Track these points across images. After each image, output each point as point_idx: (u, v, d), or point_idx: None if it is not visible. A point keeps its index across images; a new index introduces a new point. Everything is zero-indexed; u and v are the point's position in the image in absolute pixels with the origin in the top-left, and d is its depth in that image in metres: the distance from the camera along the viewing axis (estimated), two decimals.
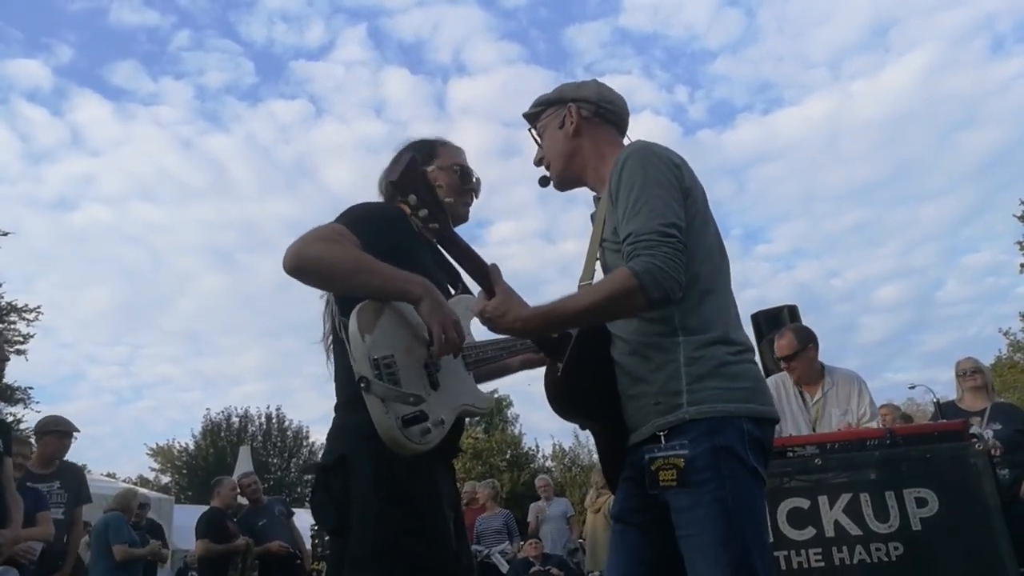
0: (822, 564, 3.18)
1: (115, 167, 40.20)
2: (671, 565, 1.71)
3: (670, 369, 1.73)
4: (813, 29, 47.78)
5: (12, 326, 20.48)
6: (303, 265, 1.77)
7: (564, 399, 1.84)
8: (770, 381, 4.27)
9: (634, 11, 46.82)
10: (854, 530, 3.18)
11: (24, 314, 21.25)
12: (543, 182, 2.07)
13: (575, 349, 1.80)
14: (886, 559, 3.11)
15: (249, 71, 47.64)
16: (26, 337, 21.01)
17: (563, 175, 2.04)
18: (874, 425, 3.94)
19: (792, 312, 5.26)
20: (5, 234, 20.89)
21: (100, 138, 42.50)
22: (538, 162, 2.07)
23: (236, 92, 46.02)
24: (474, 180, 2.21)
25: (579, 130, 1.99)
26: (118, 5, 41.48)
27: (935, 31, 45.36)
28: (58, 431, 5.08)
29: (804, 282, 46.65)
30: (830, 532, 3.21)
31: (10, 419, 19.14)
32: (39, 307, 21.57)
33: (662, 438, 1.70)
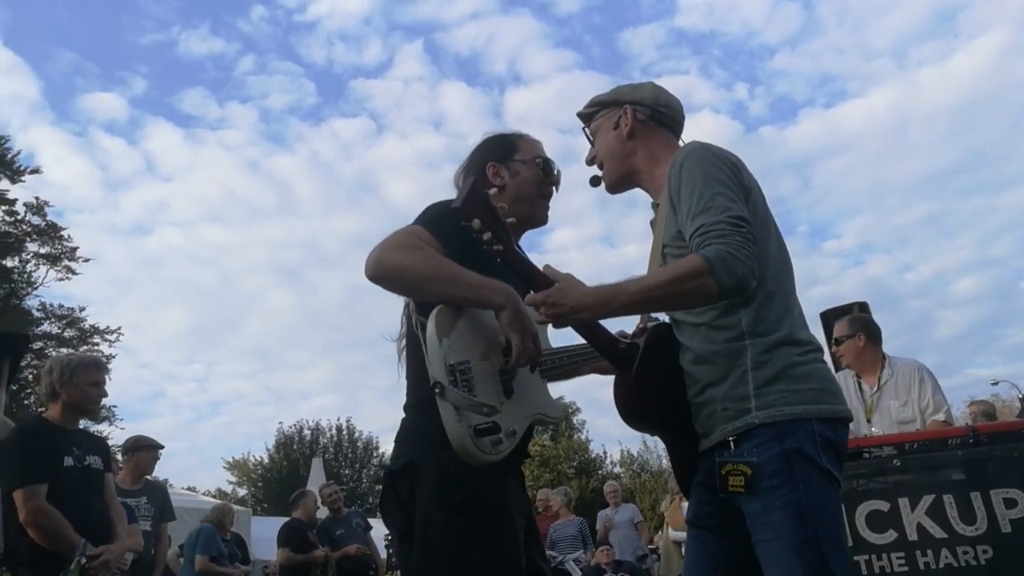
0: (905, 569, 3.08)
1: (186, 191, 41.75)
2: (748, 569, 1.69)
3: (737, 374, 1.72)
4: (875, 18, 46.49)
5: (96, 348, 21.43)
6: (384, 273, 1.76)
7: (634, 409, 1.82)
8: (836, 376, 4.25)
9: (689, 11, 46.27)
10: (938, 533, 3.08)
11: (106, 336, 22.29)
12: (594, 182, 2.06)
13: (644, 358, 1.79)
14: (975, 563, 3.01)
15: (311, 92, 48.92)
16: (109, 358, 21.96)
17: (614, 177, 2.03)
18: (940, 418, 3.83)
19: (862, 308, 5.11)
20: (87, 260, 21.97)
21: (172, 164, 44.15)
22: (590, 161, 2.06)
23: (299, 113, 47.38)
24: (556, 172, 2.17)
25: (633, 132, 1.98)
26: (186, 36, 43.17)
27: (1005, 13, 43.45)
28: (147, 447, 5.36)
29: (875, 277, 45.18)
30: (913, 535, 3.11)
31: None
32: (119, 329, 22.61)
33: (731, 444, 1.69)
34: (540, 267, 1.73)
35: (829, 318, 5.16)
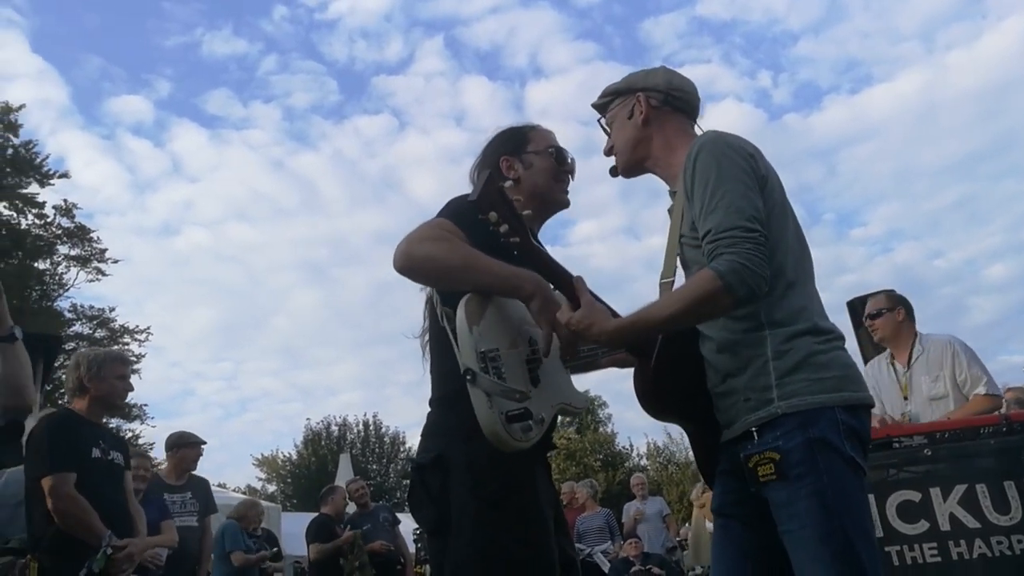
0: (938, 559, 3.04)
1: (212, 191, 42.13)
2: (775, 556, 1.68)
3: (758, 364, 1.71)
4: (901, 2, 45.56)
5: (126, 347, 21.76)
6: (412, 264, 1.78)
7: (654, 398, 1.82)
8: (869, 364, 4.22)
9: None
10: (971, 523, 3.03)
11: (136, 335, 22.62)
12: (613, 172, 2.06)
13: (663, 348, 1.79)
14: (1009, 553, 2.96)
15: (333, 89, 49.01)
16: (139, 357, 22.32)
17: (628, 163, 2.02)
18: (983, 391, 3.71)
19: (889, 296, 5.04)
20: (116, 261, 22.31)
21: (198, 164, 44.61)
22: (608, 151, 2.06)
23: (322, 111, 47.46)
24: (569, 160, 2.17)
25: (648, 120, 1.97)
26: (209, 37, 43.47)
27: None
28: (191, 444, 5.50)
29: (904, 264, 44.35)
30: (945, 526, 3.07)
31: (129, 435, 20.37)
32: (148, 328, 22.92)
33: (755, 434, 1.68)
34: (558, 261, 1.75)
35: (856, 306, 5.10)
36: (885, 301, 4.14)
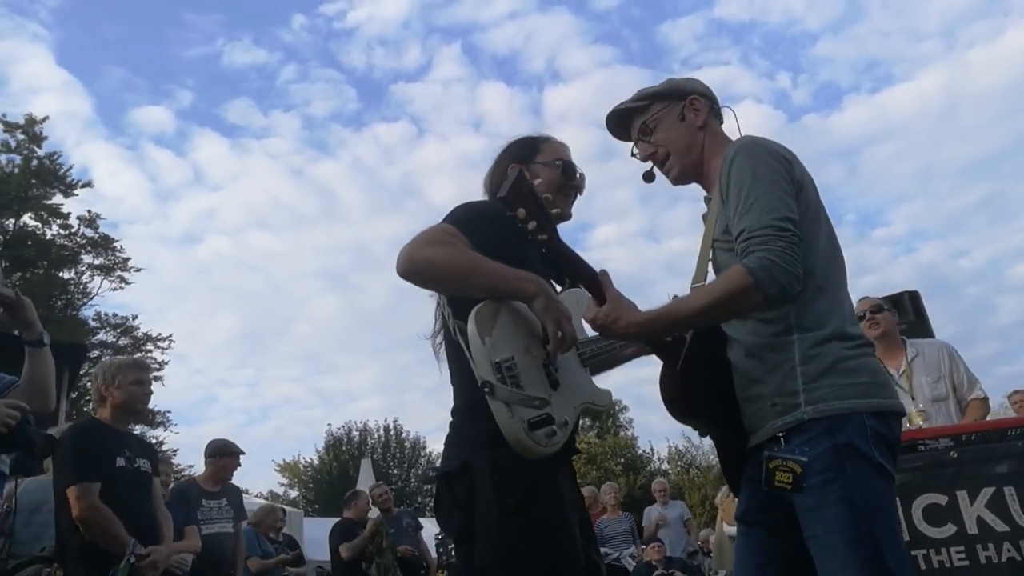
0: (966, 563, 3.00)
1: (233, 200, 42.45)
2: (799, 565, 1.67)
3: (785, 369, 1.70)
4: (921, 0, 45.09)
5: (149, 355, 22.01)
6: (415, 268, 1.79)
7: (680, 402, 1.82)
8: None
9: (728, 1, 45.42)
10: (1000, 526, 2.99)
11: (159, 343, 22.85)
12: (648, 177, 2.03)
13: (690, 351, 1.78)
14: None
15: (352, 97, 49.35)
16: (161, 364, 22.57)
17: (686, 167, 1.99)
18: (980, 395, 3.84)
19: (913, 298, 4.97)
20: (139, 270, 22.59)
21: (219, 173, 45.02)
22: (647, 157, 2.01)
23: (341, 119, 47.74)
24: (578, 176, 2.17)
25: (705, 124, 1.97)
26: (230, 47, 43.99)
27: None
28: (231, 453, 5.61)
29: (928, 264, 43.89)
30: (973, 529, 3.03)
31: (152, 442, 20.58)
32: (171, 336, 23.14)
33: (781, 440, 1.67)
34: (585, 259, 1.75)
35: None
36: (882, 301, 4.20)
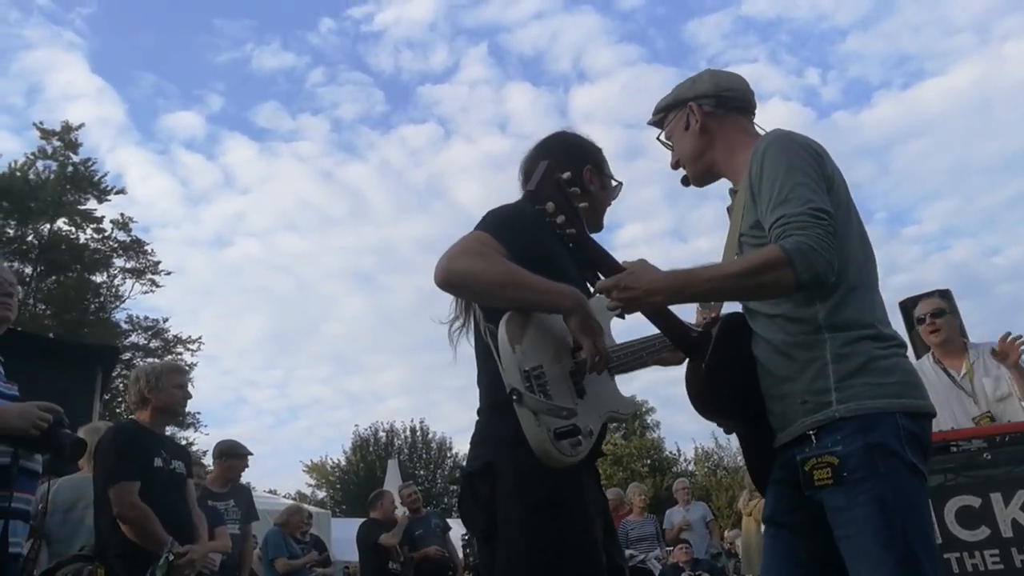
0: (1000, 567, 2.96)
1: (262, 203, 42.91)
2: (828, 567, 1.66)
3: (816, 367, 1.68)
4: None
5: (179, 356, 22.30)
6: (453, 279, 1.80)
7: (706, 398, 1.82)
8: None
9: None
10: None
11: (189, 345, 23.12)
12: (685, 181, 2.08)
13: (716, 348, 1.78)
14: None
15: (379, 100, 49.74)
16: (191, 366, 22.82)
17: (696, 173, 2.03)
18: None
19: (944, 296, 4.92)
20: (169, 273, 22.92)
21: (248, 177, 45.50)
22: (675, 165, 2.07)
23: (368, 121, 47.98)
24: (614, 184, 2.26)
25: (705, 127, 1.97)
26: (259, 52, 44.32)
27: None
28: (239, 455, 5.67)
29: (961, 262, 43.05)
30: (1007, 532, 2.99)
31: (183, 443, 20.87)
32: (200, 338, 23.40)
33: (812, 438, 1.66)
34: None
35: (908, 307, 4.99)
36: (944, 302, 4.11)
